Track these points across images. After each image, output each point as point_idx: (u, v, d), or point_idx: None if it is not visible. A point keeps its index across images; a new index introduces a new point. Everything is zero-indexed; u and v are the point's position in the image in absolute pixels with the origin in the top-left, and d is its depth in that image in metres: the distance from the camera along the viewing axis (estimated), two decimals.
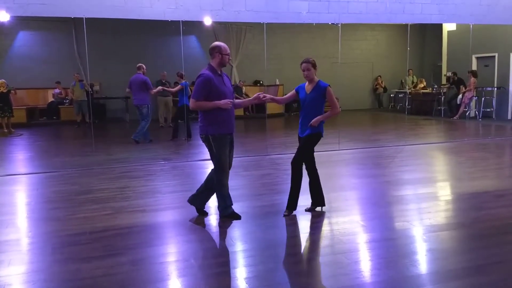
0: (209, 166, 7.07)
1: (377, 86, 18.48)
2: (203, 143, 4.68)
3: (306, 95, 4.77)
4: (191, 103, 4.54)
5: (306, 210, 4.93)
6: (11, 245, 4.19)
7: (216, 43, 4.69)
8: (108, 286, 3.32)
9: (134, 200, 5.61)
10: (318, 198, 4.93)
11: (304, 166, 4.86)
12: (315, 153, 4.92)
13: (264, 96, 4.79)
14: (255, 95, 4.85)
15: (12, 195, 6.26)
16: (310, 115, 4.73)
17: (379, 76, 18.41)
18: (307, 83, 4.83)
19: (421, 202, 5.38)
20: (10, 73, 13.56)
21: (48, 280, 3.45)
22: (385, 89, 18.52)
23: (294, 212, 4.87)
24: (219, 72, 4.63)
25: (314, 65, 4.75)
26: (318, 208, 4.98)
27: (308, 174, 4.90)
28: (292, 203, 4.85)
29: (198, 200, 4.87)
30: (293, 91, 4.96)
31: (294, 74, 4.95)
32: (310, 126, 4.72)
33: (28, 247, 4.20)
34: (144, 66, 10.10)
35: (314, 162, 4.89)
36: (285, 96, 5.18)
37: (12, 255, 3.95)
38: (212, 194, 4.87)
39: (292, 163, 4.85)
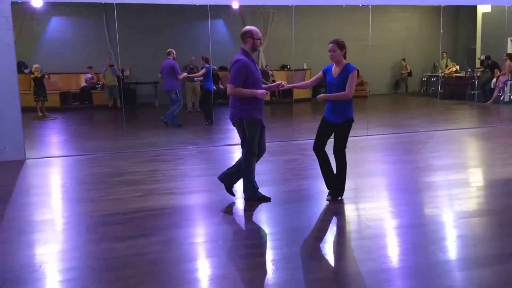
0: (236, 151, 7.13)
1: (402, 71, 17.95)
2: (230, 129, 4.72)
3: (333, 79, 4.60)
4: (229, 88, 4.54)
5: (327, 200, 4.82)
6: (47, 225, 4.37)
7: (248, 27, 4.66)
8: (140, 265, 3.43)
9: (164, 183, 5.74)
10: (339, 186, 4.81)
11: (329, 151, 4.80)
12: None
13: (283, 86, 4.70)
14: (276, 83, 4.81)
15: (47, 177, 6.50)
16: (337, 100, 4.61)
17: (403, 59, 17.90)
18: (334, 65, 4.67)
19: (452, 188, 5.30)
20: (44, 58, 13.85)
21: (83, 258, 3.59)
22: (409, 73, 17.97)
23: (321, 198, 4.90)
24: (252, 57, 4.64)
25: (341, 47, 4.55)
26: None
27: (336, 160, 4.75)
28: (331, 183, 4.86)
29: (228, 179, 4.91)
30: (320, 73, 4.79)
31: (322, 58, 4.85)
32: (317, 100, 4.73)
33: (63, 226, 4.38)
34: (174, 51, 10.19)
35: (345, 148, 4.77)
36: (311, 80, 4.97)
37: (48, 234, 4.13)
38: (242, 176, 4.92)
39: (317, 151, 4.80)
